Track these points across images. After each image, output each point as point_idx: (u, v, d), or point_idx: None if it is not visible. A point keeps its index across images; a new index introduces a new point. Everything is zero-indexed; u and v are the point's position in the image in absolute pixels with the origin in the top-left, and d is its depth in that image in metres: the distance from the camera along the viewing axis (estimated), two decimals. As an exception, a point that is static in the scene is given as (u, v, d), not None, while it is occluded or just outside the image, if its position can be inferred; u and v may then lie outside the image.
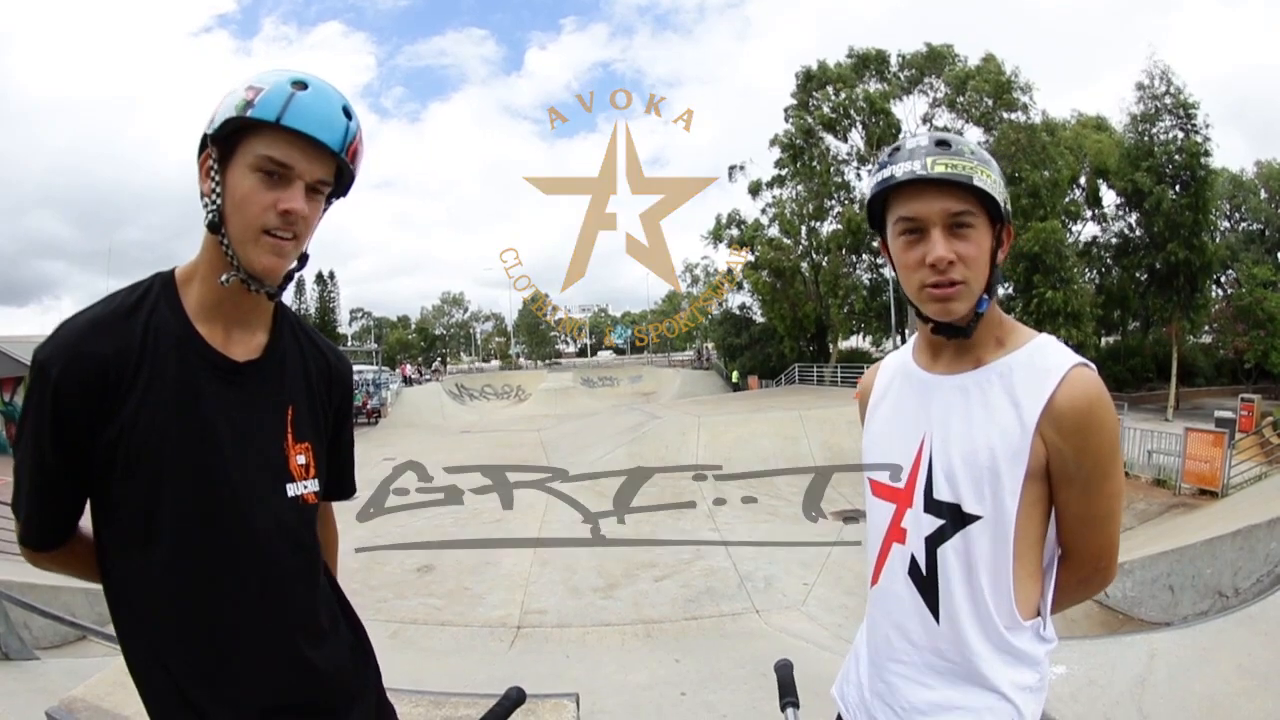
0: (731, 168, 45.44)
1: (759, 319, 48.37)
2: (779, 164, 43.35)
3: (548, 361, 79.09)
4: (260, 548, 1.32)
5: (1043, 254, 30.52)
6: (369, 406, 34.65)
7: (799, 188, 42.79)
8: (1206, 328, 37.75)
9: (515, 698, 1.65)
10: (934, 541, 1.50)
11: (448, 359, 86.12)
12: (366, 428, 32.27)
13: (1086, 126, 36.50)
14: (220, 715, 1.27)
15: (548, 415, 37.29)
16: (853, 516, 14.73)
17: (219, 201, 1.23)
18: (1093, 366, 1.41)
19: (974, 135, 38.93)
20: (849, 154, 41.96)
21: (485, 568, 11.60)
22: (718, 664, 7.23)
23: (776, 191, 44.04)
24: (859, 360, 40.73)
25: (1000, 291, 1.54)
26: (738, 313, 51.00)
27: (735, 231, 45.09)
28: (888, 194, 1.46)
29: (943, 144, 1.40)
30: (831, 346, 43.78)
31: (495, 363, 79.05)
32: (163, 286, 1.29)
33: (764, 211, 44.44)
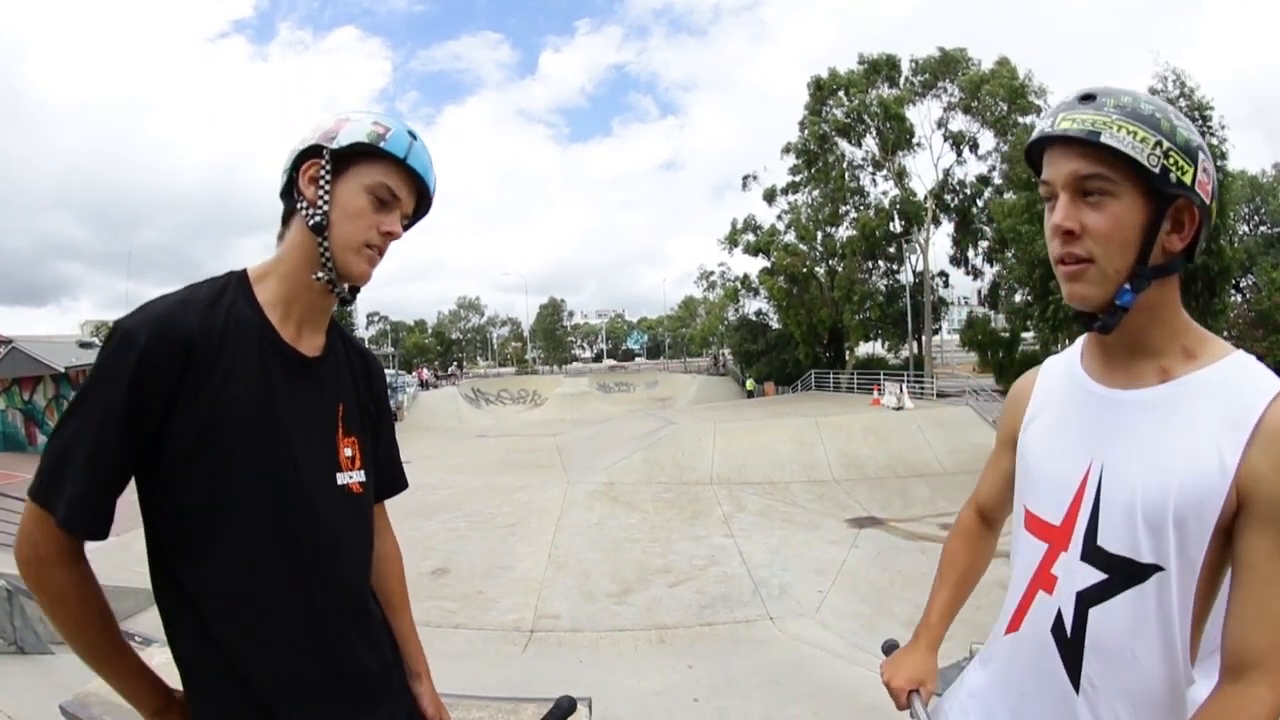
0: (745, 177, 45.68)
1: (775, 325, 48.34)
2: (794, 170, 43.41)
3: (563, 367, 79.21)
4: (321, 533, 1.39)
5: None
6: (384, 409, 34.75)
7: (814, 193, 42.82)
8: (1225, 333, 37.41)
9: (566, 707, 1.69)
10: (1088, 600, 1.24)
11: (464, 363, 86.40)
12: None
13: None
14: (278, 700, 1.33)
15: (563, 420, 37.41)
16: (867, 523, 14.71)
17: (325, 208, 1.36)
18: None
19: (988, 139, 38.86)
20: (864, 159, 41.94)
21: (499, 571, 11.62)
22: (731, 671, 7.22)
23: (792, 197, 44.11)
24: (875, 367, 40.59)
25: (1150, 291, 1.17)
26: (754, 319, 50.99)
27: (751, 237, 45.12)
28: (1042, 154, 1.25)
29: (1086, 97, 1.17)
30: (848, 353, 43.65)
31: (511, 367, 79.26)
32: (239, 282, 1.38)
33: (780, 217, 44.51)
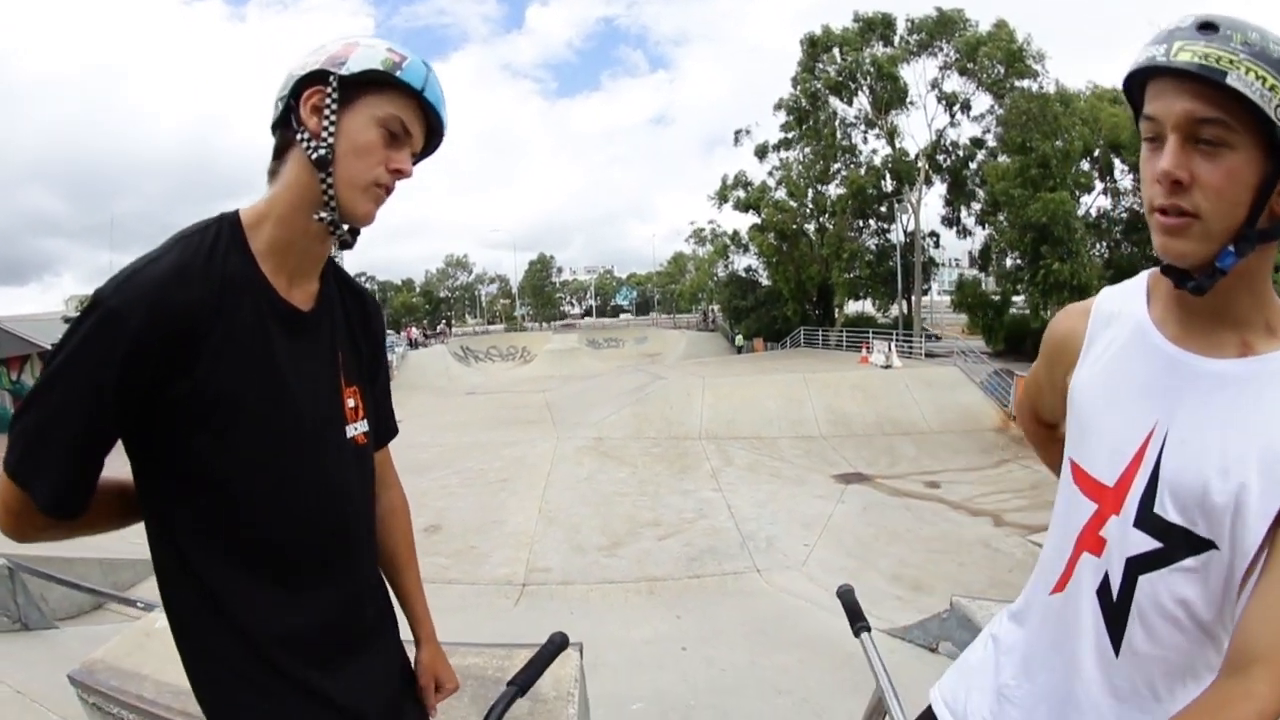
0: (737, 132, 45.28)
1: (765, 281, 48.31)
2: (785, 127, 43.13)
3: (553, 324, 79.07)
4: (331, 491, 1.35)
5: (1051, 225, 30.37)
6: (377, 368, 34.65)
7: (806, 150, 42.58)
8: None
9: (560, 642, 1.70)
10: (1138, 566, 1.18)
11: (453, 321, 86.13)
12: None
13: (1103, 99, 36.09)
14: (283, 656, 1.29)
15: (553, 376, 37.44)
16: (853, 479, 14.89)
17: (330, 140, 1.23)
18: None
19: (984, 102, 38.60)
20: (856, 117, 41.68)
21: (491, 527, 11.76)
22: (718, 621, 7.38)
23: (783, 154, 43.87)
24: (864, 325, 40.67)
25: (1250, 256, 1.04)
26: (744, 275, 50.93)
27: (742, 193, 44.92)
28: (1145, 86, 1.09)
29: (1208, 26, 1.01)
30: (837, 311, 43.71)
31: (500, 325, 79.09)
32: (230, 229, 1.26)
33: (771, 174, 44.29)
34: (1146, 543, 1.16)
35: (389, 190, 1.31)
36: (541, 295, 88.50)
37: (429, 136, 1.38)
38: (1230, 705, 1.02)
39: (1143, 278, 1.30)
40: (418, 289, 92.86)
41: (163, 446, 1.20)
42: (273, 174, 1.29)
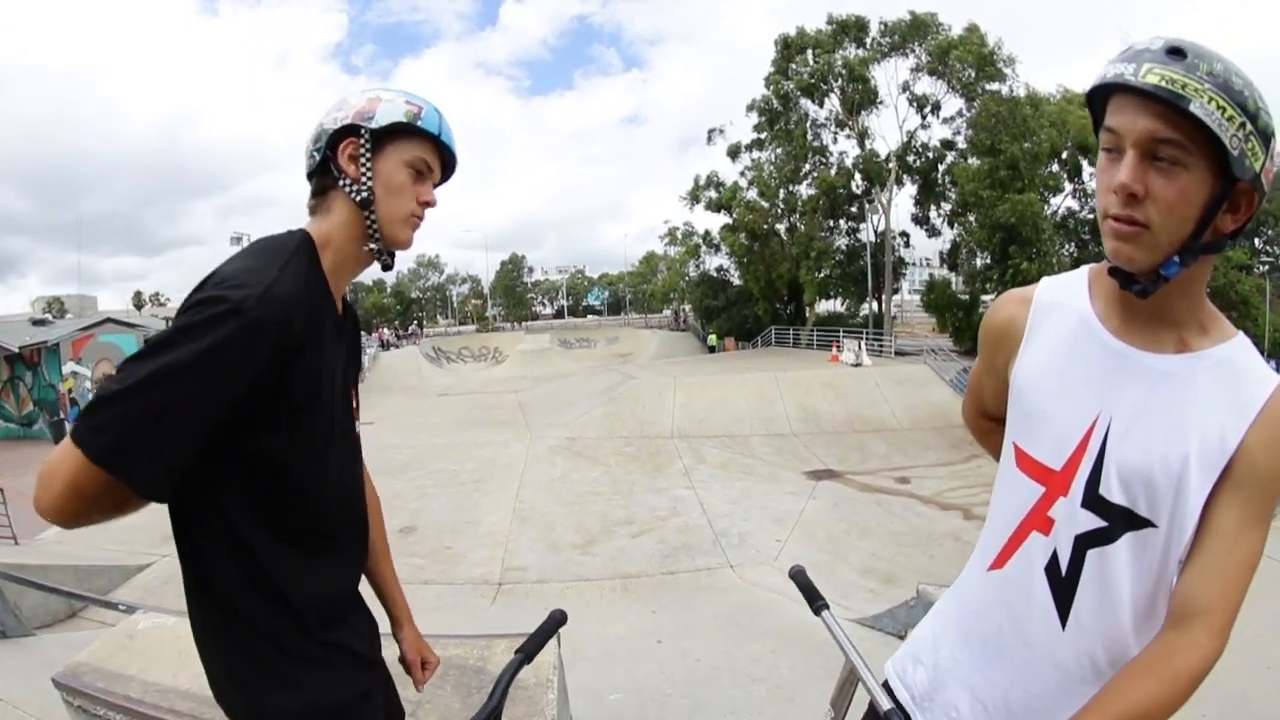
0: (710, 131, 45.39)
1: (736, 281, 48.43)
2: (758, 128, 43.27)
3: (525, 324, 78.79)
4: (350, 478, 1.57)
5: (1019, 225, 30.73)
6: (347, 371, 34.27)
7: (777, 151, 42.74)
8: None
9: (559, 618, 1.82)
10: (1086, 542, 1.28)
11: (424, 322, 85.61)
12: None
13: (1072, 102, 36.52)
14: (319, 624, 1.46)
15: (525, 377, 37.35)
16: (824, 475, 15.03)
17: (370, 183, 1.46)
18: None
19: (955, 104, 38.95)
20: (826, 118, 41.88)
21: (466, 527, 11.78)
22: (693, 615, 7.46)
23: (755, 154, 44.01)
24: (835, 324, 40.90)
25: (1192, 266, 1.16)
26: (715, 275, 51.02)
27: (714, 194, 45.03)
28: (1108, 98, 1.18)
29: (1176, 52, 1.09)
30: (808, 310, 43.90)
31: (472, 325, 78.71)
32: (310, 251, 1.44)
33: (743, 174, 44.41)
34: (1093, 521, 1.26)
35: (421, 219, 1.55)
36: (513, 295, 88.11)
37: (444, 168, 1.59)
38: (1175, 654, 1.16)
39: (1082, 272, 1.40)
40: (389, 290, 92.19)
41: (236, 439, 1.30)
42: (313, 210, 1.50)
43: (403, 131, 1.48)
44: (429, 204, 1.55)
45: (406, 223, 1.52)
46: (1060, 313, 1.37)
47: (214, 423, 1.23)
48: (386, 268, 1.58)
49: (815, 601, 1.82)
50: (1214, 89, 1.04)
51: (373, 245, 1.50)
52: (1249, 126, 1.06)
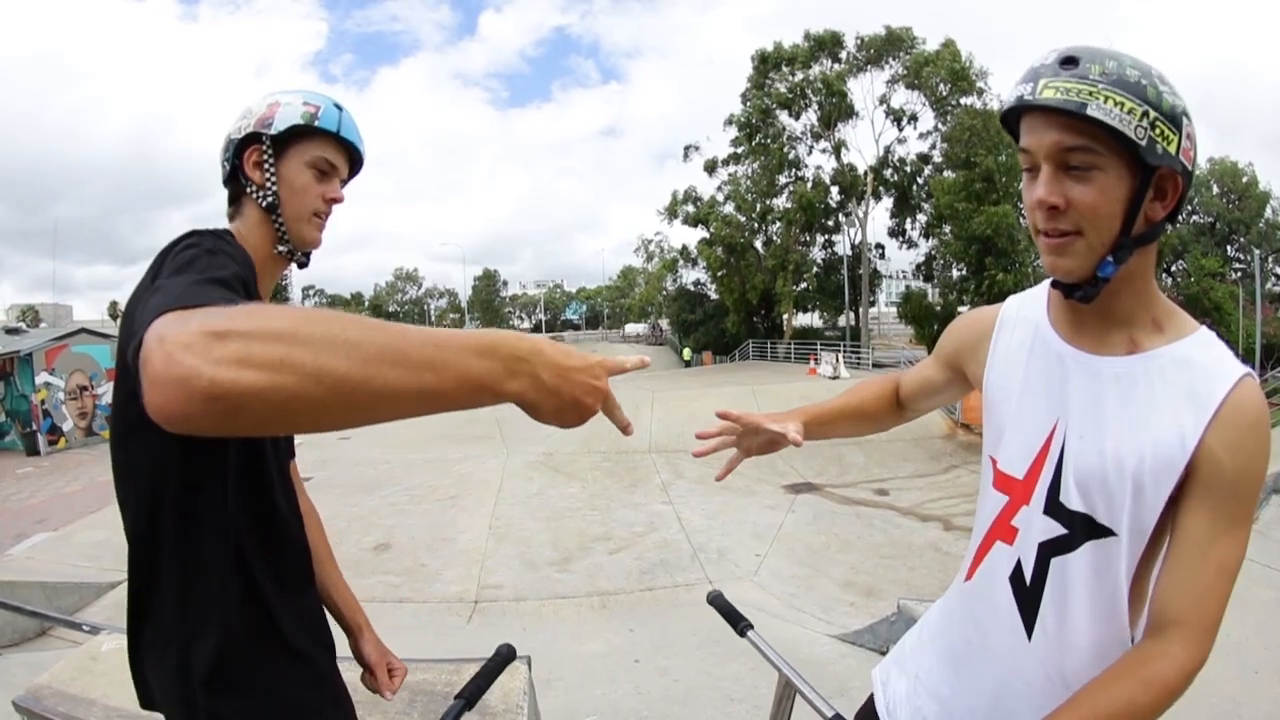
0: (687, 147, 45.88)
1: (713, 295, 48.70)
2: (735, 142, 43.62)
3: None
4: (291, 489, 1.55)
5: (994, 237, 31.13)
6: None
7: (754, 165, 43.07)
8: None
9: (506, 654, 1.75)
10: (1049, 550, 1.29)
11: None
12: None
13: (1047, 115, 37.18)
14: (296, 633, 1.46)
15: (502, 392, 37.27)
16: (803, 489, 15.01)
17: (274, 188, 1.51)
18: (1256, 377, 1.26)
19: (929, 118, 39.39)
20: (803, 132, 42.26)
21: (441, 544, 11.63)
22: (671, 633, 7.36)
23: (732, 169, 44.35)
24: (812, 337, 41.14)
25: (1130, 261, 1.16)
26: (692, 289, 51.24)
27: (691, 208, 45.28)
28: (1020, 119, 1.20)
29: (1069, 61, 1.11)
30: (785, 323, 44.11)
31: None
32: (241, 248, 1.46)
33: (720, 189, 44.72)
34: (1054, 529, 1.27)
35: (327, 216, 1.61)
36: (490, 310, 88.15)
37: (352, 164, 1.66)
38: (1150, 662, 1.16)
39: (1043, 285, 1.41)
40: (366, 303, 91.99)
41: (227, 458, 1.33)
42: (231, 217, 1.56)
43: (303, 133, 1.53)
44: (335, 200, 1.59)
45: (311, 222, 1.56)
46: (1021, 325, 1.41)
47: None
48: (302, 266, 1.63)
49: (739, 624, 1.86)
50: (1108, 87, 1.08)
51: (282, 247, 1.55)
52: (1152, 114, 1.08)
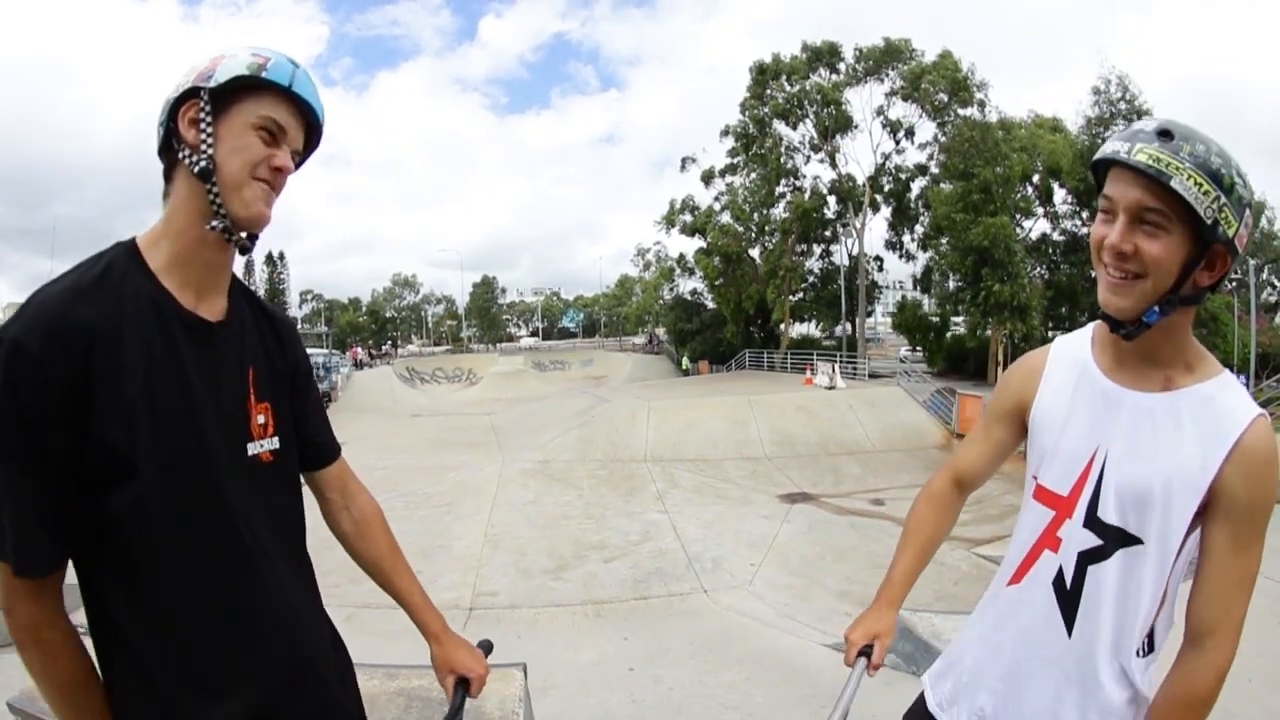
0: (684, 159, 45.86)
1: (710, 305, 48.74)
2: (732, 153, 43.68)
3: (499, 345, 78.64)
4: (232, 509, 1.31)
5: (991, 248, 31.14)
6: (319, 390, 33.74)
7: (751, 175, 43.13)
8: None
9: (486, 648, 1.75)
10: (1087, 559, 1.48)
11: (398, 342, 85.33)
12: (316, 411, 32.01)
13: (1042, 127, 37.20)
14: (201, 710, 1.26)
15: (498, 399, 37.21)
16: (799, 499, 15.01)
17: (210, 151, 1.27)
18: (1269, 417, 1.39)
19: (928, 129, 39.48)
20: (800, 142, 42.33)
21: (437, 551, 11.63)
22: (666, 641, 7.38)
23: (729, 179, 44.41)
24: (809, 347, 41.14)
25: (1173, 315, 1.40)
26: (689, 298, 51.27)
27: (688, 217, 45.36)
28: (1108, 169, 1.37)
29: (1165, 134, 1.29)
30: (781, 329, 44.11)
31: (446, 345, 78.53)
32: (127, 253, 1.28)
33: (717, 199, 44.79)
34: (1091, 540, 1.47)
35: (276, 189, 1.35)
36: (488, 317, 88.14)
37: (308, 133, 1.42)
38: (1195, 673, 1.38)
39: (1090, 327, 1.60)
40: (364, 308, 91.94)
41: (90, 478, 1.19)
42: (166, 196, 1.33)
43: (248, 87, 1.29)
44: (282, 170, 1.34)
45: (250, 186, 1.30)
46: (1068, 361, 1.60)
47: (47, 475, 1.14)
48: (244, 250, 1.37)
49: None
50: (1193, 167, 1.25)
51: (216, 223, 1.29)
52: (1223, 199, 1.26)
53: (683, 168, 46.11)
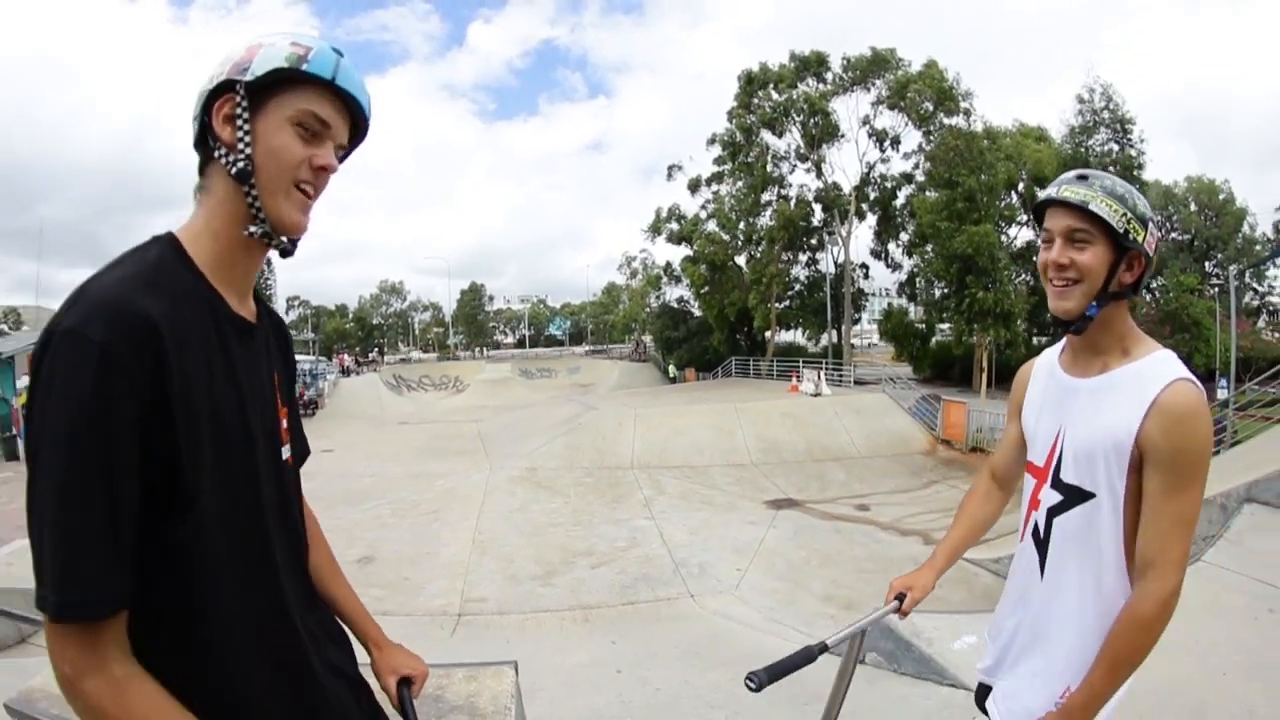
0: (670, 167, 45.91)
1: (697, 312, 48.77)
2: (718, 161, 43.77)
3: (486, 353, 78.43)
4: (277, 513, 1.30)
5: (975, 256, 31.30)
6: (306, 397, 33.61)
7: (738, 184, 43.23)
8: (1135, 330, 39.27)
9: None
10: (1053, 512, 1.85)
11: (385, 349, 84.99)
12: (304, 419, 31.84)
13: (1028, 136, 37.47)
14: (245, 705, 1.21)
15: (485, 406, 37.16)
16: (784, 505, 15.09)
17: (248, 150, 1.19)
18: (1199, 384, 1.68)
19: (914, 137, 39.69)
20: (787, 151, 42.46)
21: (425, 558, 11.66)
22: (653, 645, 7.45)
23: (716, 187, 44.49)
24: (795, 354, 41.24)
25: (1107, 308, 1.79)
26: (676, 306, 51.31)
27: (675, 226, 45.44)
28: (1044, 211, 1.79)
29: (1081, 177, 1.73)
30: (767, 340, 44.18)
31: (433, 353, 78.27)
32: (172, 249, 1.19)
33: (703, 207, 44.88)
34: (1056, 497, 1.85)
35: (318, 190, 1.28)
36: (474, 324, 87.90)
37: (353, 127, 1.34)
38: (1139, 601, 1.66)
39: (1061, 343, 1.97)
40: (351, 315, 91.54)
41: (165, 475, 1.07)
42: (199, 190, 1.25)
43: (288, 80, 1.21)
44: (325, 169, 1.26)
45: (290, 196, 1.23)
46: (1045, 366, 2.03)
47: (131, 472, 1.01)
48: (285, 254, 1.31)
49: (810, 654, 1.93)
50: (1105, 195, 1.68)
51: (254, 228, 1.22)
52: (1130, 216, 1.68)
53: (669, 176, 46.24)
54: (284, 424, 1.38)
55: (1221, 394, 23.47)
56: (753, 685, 1.74)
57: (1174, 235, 45.16)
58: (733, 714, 4.70)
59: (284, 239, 1.27)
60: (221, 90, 1.20)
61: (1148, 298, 39.85)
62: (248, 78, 1.19)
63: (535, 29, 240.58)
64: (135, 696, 1.03)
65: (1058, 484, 1.85)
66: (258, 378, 1.29)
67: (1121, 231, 1.67)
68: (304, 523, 1.47)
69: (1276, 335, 41.45)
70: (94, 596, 0.99)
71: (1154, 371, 1.70)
